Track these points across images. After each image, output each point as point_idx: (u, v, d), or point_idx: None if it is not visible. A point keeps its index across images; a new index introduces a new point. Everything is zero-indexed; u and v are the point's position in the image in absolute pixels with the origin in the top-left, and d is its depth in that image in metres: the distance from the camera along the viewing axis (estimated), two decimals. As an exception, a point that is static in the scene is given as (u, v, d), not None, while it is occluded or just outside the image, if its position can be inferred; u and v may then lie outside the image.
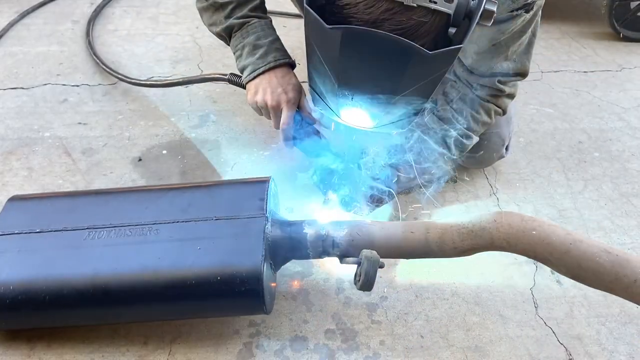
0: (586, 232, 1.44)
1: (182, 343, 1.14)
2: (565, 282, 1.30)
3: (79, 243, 1.08)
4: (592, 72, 2.10)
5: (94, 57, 1.92)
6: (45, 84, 1.84)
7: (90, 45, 1.99)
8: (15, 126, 1.66)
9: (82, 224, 1.11)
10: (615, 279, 0.90)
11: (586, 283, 0.94)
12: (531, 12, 1.16)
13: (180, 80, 1.63)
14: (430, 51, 0.84)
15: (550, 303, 1.26)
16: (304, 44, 0.98)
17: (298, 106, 1.29)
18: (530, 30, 1.22)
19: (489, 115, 1.32)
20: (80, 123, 1.69)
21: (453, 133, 1.30)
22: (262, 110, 1.30)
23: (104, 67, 1.85)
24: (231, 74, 1.40)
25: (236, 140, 1.67)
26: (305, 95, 1.31)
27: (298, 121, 1.29)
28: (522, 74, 1.29)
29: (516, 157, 1.67)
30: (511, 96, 1.33)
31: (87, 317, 1.09)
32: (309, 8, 0.87)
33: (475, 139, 1.35)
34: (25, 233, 1.11)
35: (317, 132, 1.30)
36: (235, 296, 1.01)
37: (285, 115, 1.26)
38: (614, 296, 1.21)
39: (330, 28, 0.85)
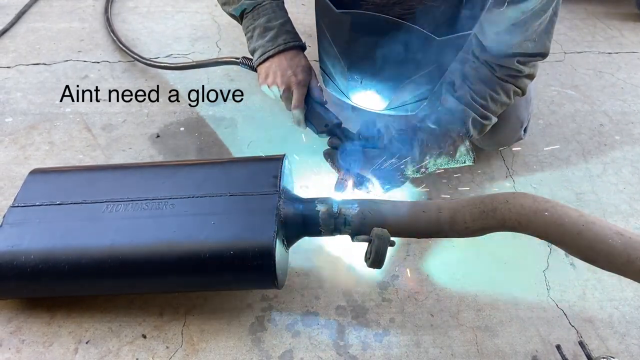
0: (603, 216, 1.42)
1: (196, 315, 1.17)
2: (579, 265, 1.30)
3: (98, 215, 1.11)
4: (617, 53, 2.05)
5: (112, 34, 1.94)
6: (67, 60, 1.87)
7: (108, 22, 2.01)
8: (38, 101, 1.69)
9: (100, 197, 1.14)
10: (627, 262, 0.89)
11: (598, 265, 0.93)
12: None
13: (194, 63, 1.64)
14: (439, 36, 0.83)
15: (563, 286, 1.26)
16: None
17: (309, 87, 1.29)
18: (551, 8, 1.19)
19: (508, 96, 1.31)
20: (100, 99, 1.71)
21: (471, 113, 1.29)
22: (274, 93, 1.30)
23: (120, 45, 1.87)
24: (243, 57, 1.40)
25: (252, 118, 1.68)
26: (315, 76, 1.31)
27: (309, 102, 1.29)
28: (542, 54, 1.27)
29: (535, 139, 1.64)
30: (531, 77, 1.31)
31: (104, 287, 1.12)
32: None
33: (494, 119, 1.33)
34: (46, 205, 1.14)
35: (329, 112, 1.30)
36: (248, 270, 1.03)
37: (295, 97, 1.27)
38: (628, 280, 1.21)
39: (339, 12, 0.85)
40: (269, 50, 1.26)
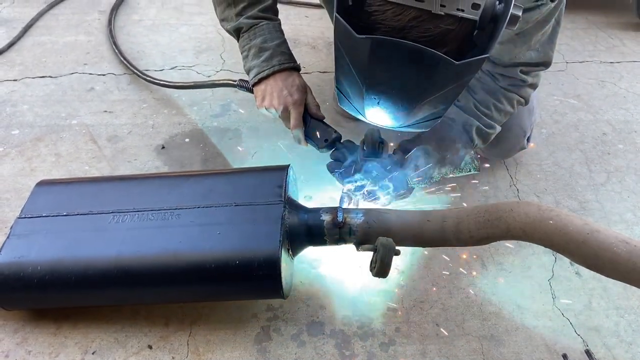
0: (608, 225, 1.42)
1: (202, 325, 1.17)
2: (585, 274, 1.29)
3: (104, 226, 1.11)
4: (619, 62, 2.06)
5: (114, 47, 1.97)
6: (73, 73, 1.89)
7: (111, 35, 2.04)
8: (44, 113, 1.71)
9: (107, 208, 1.15)
10: (633, 270, 0.89)
11: (603, 273, 0.93)
12: (556, 1, 1.15)
13: (192, 84, 1.68)
14: (456, 58, 0.85)
15: (569, 294, 1.26)
16: (325, 35, 0.99)
17: (306, 105, 1.31)
18: (554, 18, 1.21)
19: (512, 105, 1.32)
20: (106, 111, 1.73)
21: (475, 123, 1.30)
22: (272, 114, 1.32)
23: (122, 58, 1.90)
24: (240, 80, 1.43)
25: (256, 129, 1.69)
26: (311, 92, 1.33)
27: (308, 119, 1.32)
28: (545, 64, 1.28)
29: (538, 148, 1.65)
30: (533, 86, 1.32)
31: (110, 297, 1.12)
32: (339, 16, 0.89)
33: (498, 128, 1.34)
34: (53, 216, 1.15)
35: (328, 127, 1.32)
36: (254, 280, 1.04)
37: (293, 116, 1.29)
38: (634, 288, 1.20)
39: (360, 37, 0.87)
40: (264, 71, 1.28)
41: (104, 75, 1.88)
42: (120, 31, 2.11)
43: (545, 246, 0.97)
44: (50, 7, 2.24)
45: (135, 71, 1.83)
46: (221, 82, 1.54)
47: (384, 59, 0.90)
